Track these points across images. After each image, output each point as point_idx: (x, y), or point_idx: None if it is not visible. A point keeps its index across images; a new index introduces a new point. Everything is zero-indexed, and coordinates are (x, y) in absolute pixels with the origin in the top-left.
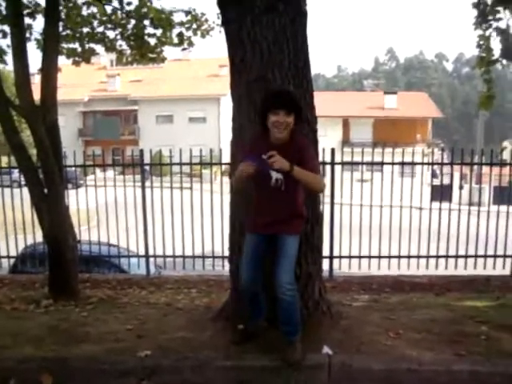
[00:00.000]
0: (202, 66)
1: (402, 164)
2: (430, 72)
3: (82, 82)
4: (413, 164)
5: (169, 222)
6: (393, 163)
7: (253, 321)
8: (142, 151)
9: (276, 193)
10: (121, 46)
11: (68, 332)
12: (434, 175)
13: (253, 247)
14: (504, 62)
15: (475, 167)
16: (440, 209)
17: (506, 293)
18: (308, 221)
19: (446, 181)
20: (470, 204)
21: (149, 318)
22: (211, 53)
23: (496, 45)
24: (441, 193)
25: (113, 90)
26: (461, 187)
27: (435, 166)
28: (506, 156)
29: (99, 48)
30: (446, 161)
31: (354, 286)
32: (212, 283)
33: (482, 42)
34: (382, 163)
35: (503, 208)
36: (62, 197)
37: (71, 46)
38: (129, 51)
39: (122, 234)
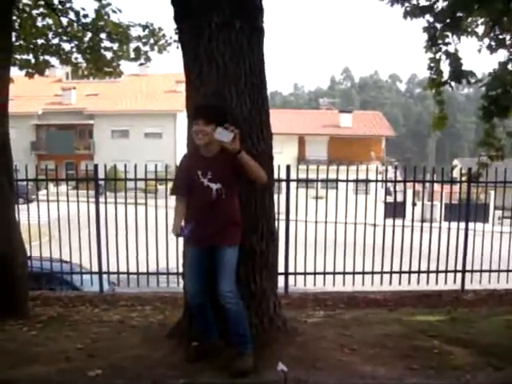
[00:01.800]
0: (160, 81)
1: (357, 181)
2: (384, 92)
3: (36, 95)
4: (367, 181)
5: (123, 237)
6: (347, 180)
7: (206, 338)
8: (96, 166)
9: (215, 203)
10: (76, 58)
11: (15, 353)
12: (387, 192)
13: (194, 260)
14: (453, 84)
15: (427, 185)
16: (394, 225)
17: (458, 307)
18: (263, 237)
19: (400, 198)
20: (423, 220)
21: (101, 336)
22: (169, 68)
23: (446, 67)
24: (394, 209)
25: (68, 104)
26: (414, 204)
27: (389, 184)
28: (456, 174)
29: (54, 60)
30: (399, 178)
31: (309, 303)
32: (167, 300)
33: (432, 65)
34: (336, 180)
35: (454, 224)
36: (11, 212)
37: (25, 57)
38: (84, 64)
39: (74, 250)
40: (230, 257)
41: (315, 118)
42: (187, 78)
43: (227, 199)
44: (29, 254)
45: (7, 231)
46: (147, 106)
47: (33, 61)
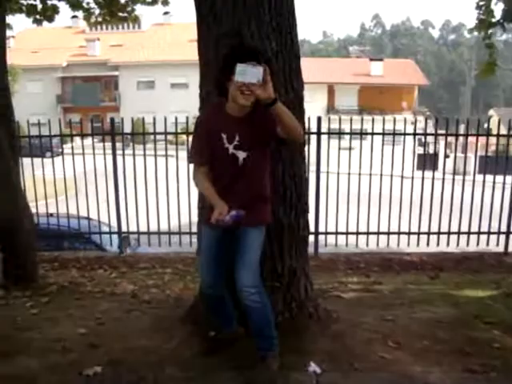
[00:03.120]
0: (184, 30)
1: (394, 134)
2: (416, 39)
3: (60, 47)
4: (404, 135)
5: (144, 194)
6: (383, 133)
7: (224, 327)
8: (112, 120)
9: (240, 174)
10: (88, 3)
11: (8, 338)
12: (421, 144)
13: (211, 242)
14: (506, 24)
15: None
16: (433, 180)
17: (502, 273)
18: (292, 208)
19: (432, 149)
20: (465, 173)
21: (109, 315)
22: (193, 17)
23: (497, 6)
24: (433, 164)
25: (92, 55)
26: (446, 156)
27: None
28: (492, 125)
29: (63, 6)
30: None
31: (341, 265)
32: (189, 261)
33: (481, 3)
34: (372, 133)
35: (491, 177)
36: (13, 173)
37: (31, 2)
38: (97, 10)
39: (94, 207)
40: (255, 240)
41: (345, 67)
42: (198, 16)
43: (254, 169)
44: (51, 211)
45: (8, 195)
46: (172, 55)
47: (39, 6)
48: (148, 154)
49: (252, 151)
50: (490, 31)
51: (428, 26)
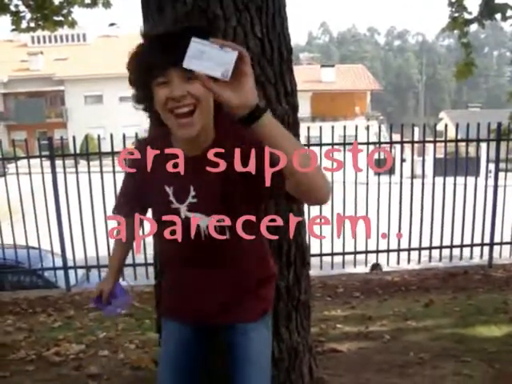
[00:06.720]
0: (131, 41)
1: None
2: (363, 45)
3: (1, 61)
4: (368, 144)
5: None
6: (344, 143)
7: None
8: (50, 140)
9: (209, 249)
10: (17, 6)
11: None
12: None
13: (174, 347)
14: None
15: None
16: (412, 183)
17: (494, 290)
18: (290, 267)
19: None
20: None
21: None
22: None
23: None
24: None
25: (36, 70)
26: (403, 160)
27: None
28: (441, 127)
29: None
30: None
31: (317, 291)
32: (146, 296)
33: (454, 0)
34: (344, 144)
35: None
36: None
37: None
38: (28, 14)
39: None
40: (260, 343)
41: (296, 74)
42: None
43: (238, 239)
44: None
45: None
46: (120, 68)
47: None
48: (96, 171)
49: (226, 213)
50: (466, 29)
51: (374, 32)
